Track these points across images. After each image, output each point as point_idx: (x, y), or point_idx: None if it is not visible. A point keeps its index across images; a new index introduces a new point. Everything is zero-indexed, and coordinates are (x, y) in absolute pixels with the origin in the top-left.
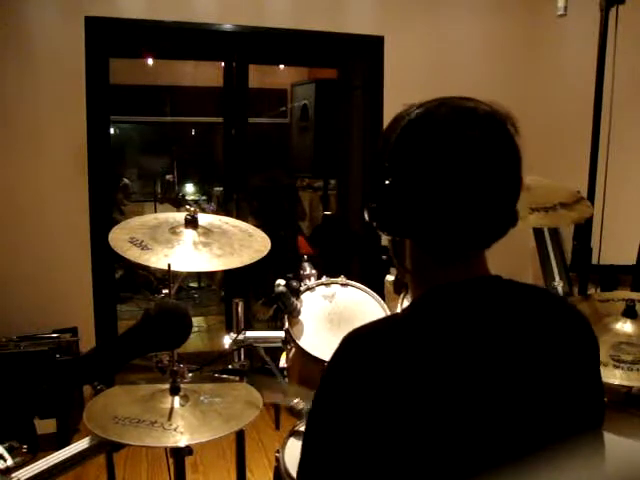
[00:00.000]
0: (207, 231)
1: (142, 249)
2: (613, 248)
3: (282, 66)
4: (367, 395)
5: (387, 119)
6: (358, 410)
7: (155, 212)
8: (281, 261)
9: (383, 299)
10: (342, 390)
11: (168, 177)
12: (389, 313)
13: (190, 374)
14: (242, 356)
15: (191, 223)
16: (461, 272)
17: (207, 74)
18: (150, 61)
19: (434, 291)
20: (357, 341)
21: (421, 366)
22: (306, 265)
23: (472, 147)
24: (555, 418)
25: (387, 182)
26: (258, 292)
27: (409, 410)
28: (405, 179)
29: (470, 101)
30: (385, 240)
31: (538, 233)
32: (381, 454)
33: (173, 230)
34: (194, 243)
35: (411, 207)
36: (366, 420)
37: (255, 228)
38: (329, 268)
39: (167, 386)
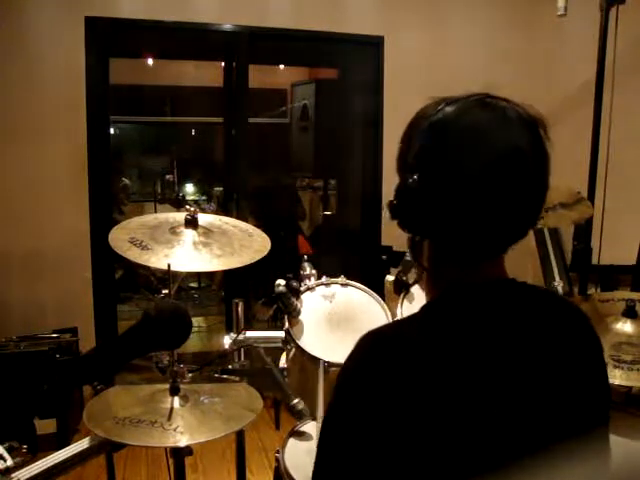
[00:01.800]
0: (207, 231)
1: (142, 249)
2: (613, 248)
3: (282, 66)
4: (385, 397)
5: (387, 119)
6: (376, 413)
7: (155, 212)
8: (281, 261)
9: (383, 299)
10: (360, 393)
11: (168, 177)
12: (389, 313)
13: (190, 374)
14: (242, 356)
15: (191, 223)
16: (479, 273)
17: (207, 74)
18: (150, 61)
19: (450, 292)
20: (374, 343)
21: (438, 368)
22: (306, 265)
23: (503, 150)
24: (567, 420)
25: (411, 180)
26: (258, 292)
27: (427, 411)
28: (432, 178)
29: (502, 101)
30: (399, 236)
31: (538, 233)
32: (401, 455)
33: (173, 230)
34: (194, 243)
35: (435, 207)
36: (383, 422)
37: (255, 228)
38: (329, 268)
39: (167, 386)
